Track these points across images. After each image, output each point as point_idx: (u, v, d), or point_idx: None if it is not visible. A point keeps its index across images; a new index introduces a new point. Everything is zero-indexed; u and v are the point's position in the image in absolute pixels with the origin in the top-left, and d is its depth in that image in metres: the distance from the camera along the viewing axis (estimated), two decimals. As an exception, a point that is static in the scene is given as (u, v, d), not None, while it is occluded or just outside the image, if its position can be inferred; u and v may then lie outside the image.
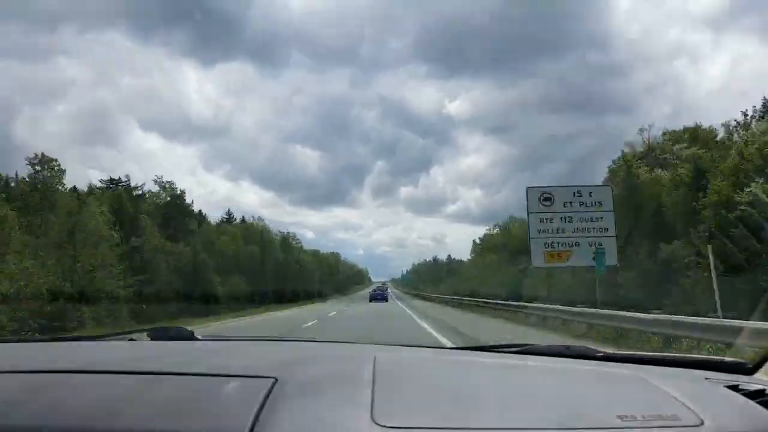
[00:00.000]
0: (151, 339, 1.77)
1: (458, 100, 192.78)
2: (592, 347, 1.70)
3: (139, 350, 1.58)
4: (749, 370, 1.42)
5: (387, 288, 59.61)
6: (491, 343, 1.79)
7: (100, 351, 1.60)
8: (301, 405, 1.02)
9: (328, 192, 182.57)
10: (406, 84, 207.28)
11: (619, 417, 1.02)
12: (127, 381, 1.15)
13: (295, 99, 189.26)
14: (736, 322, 9.34)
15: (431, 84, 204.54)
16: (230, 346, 1.77)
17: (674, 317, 11.30)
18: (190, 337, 1.75)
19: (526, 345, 1.71)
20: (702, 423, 1.03)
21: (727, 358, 1.52)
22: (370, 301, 41.84)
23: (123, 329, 2.00)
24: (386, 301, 42.73)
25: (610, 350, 1.69)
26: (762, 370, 1.38)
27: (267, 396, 1.02)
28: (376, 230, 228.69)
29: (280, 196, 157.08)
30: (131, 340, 1.81)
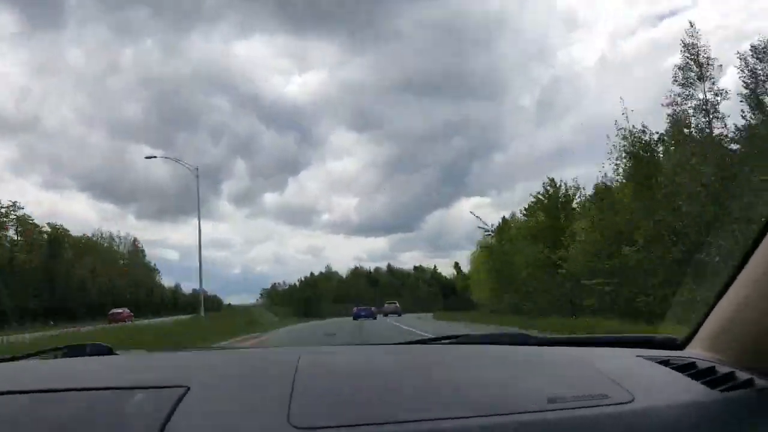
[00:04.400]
0: (67, 356, 1.66)
1: (311, 72, 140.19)
2: (526, 333, 1.72)
3: (49, 368, 1.49)
4: (679, 345, 1.45)
5: (397, 304, 51.82)
6: (428, 337, 1.79)
7: (5, 371, 1.48)
8: (214, 411, 0.99)
9: (182, 201, 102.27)
10: (242, 42, 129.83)
11: (550, 399, 1.02)
12: (29, 400, 1.08)
13: (104, 68, 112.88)
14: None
15: (275, 44, 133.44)
16: (146, 358, 1.70)
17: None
18: (109, 351, 1.65)
19: (461, 336, 1.71)
20: (633, 399, 1.04)
21: (658, 335, 1.55)
22: (355, 318, 39.10)
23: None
24: (374, 318, 39.77)
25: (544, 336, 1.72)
26: (691, 344, 1.41)
27: (176, 405, 0.99)
28: (252, 247, 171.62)
29: (123, 207, 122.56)
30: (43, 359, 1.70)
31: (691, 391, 1.11)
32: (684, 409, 1.06)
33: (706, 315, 1.37)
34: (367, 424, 0.94)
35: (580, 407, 1.01)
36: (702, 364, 1.22)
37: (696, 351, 1.36)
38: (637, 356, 1.33)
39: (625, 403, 1.03)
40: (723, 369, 1.18)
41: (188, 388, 1.05)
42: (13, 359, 1.77)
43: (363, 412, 0.99)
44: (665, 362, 1.26)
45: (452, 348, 1.59)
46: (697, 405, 1.07)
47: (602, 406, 1.02)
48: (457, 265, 76.28)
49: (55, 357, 1.65)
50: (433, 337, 1.74)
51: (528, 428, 0.97)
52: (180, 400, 1.01)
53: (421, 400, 1.04)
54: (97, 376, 1.29)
